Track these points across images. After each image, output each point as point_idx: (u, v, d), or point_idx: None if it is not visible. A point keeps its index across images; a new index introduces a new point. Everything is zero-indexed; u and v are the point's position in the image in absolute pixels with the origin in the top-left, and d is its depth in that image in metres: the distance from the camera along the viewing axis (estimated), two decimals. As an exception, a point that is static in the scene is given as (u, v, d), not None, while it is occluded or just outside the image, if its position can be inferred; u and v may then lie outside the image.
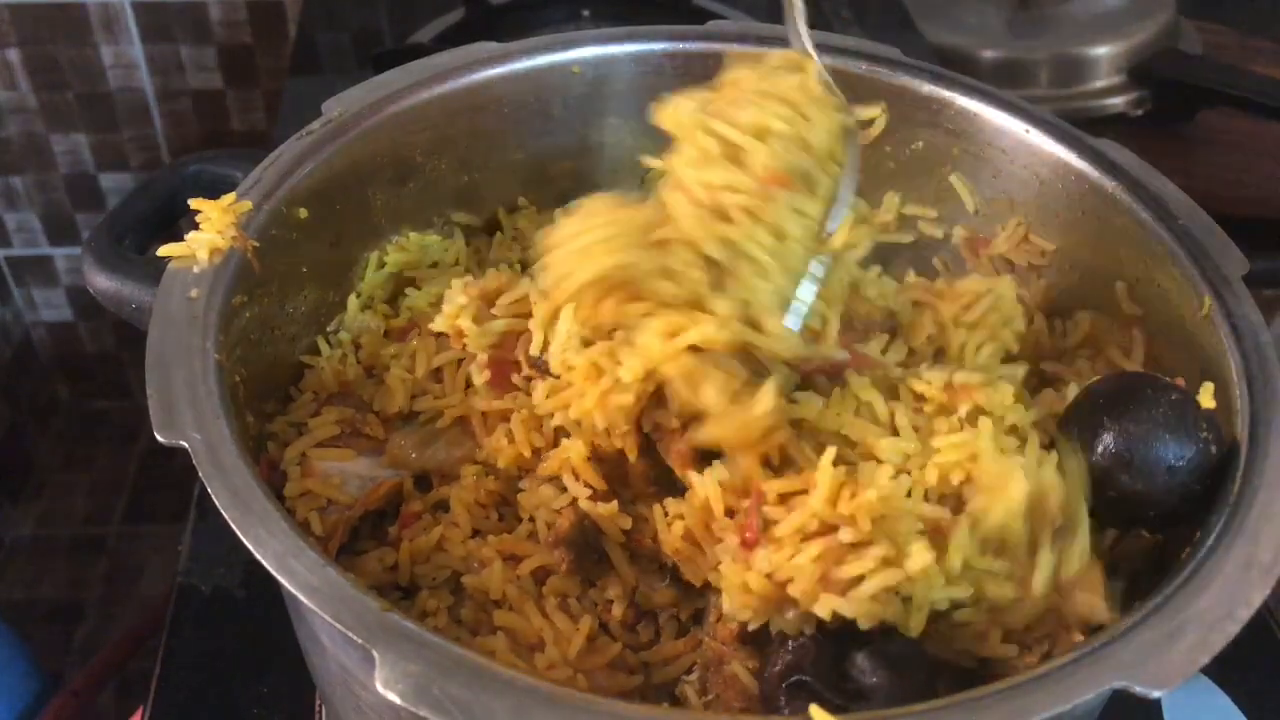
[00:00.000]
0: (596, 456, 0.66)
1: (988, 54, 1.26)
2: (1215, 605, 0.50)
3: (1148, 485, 0.59)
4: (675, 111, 0.65)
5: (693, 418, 0.62)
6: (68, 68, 1.93)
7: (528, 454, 0.68)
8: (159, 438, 0.56)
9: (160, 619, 0.86)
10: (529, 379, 0.70)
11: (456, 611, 0.64)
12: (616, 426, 0.65)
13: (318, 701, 0.79)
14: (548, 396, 0.67)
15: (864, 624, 0.53)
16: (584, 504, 0.64)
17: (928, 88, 0.82)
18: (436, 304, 0.75)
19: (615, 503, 0.64)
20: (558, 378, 0.68)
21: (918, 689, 0.52)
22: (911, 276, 0.85)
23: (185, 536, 0.91)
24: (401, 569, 0.65)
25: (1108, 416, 0.60)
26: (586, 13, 1.46)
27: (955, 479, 0.60)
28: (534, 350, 0.69)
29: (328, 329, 0.79)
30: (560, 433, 0.68)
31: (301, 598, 0.49)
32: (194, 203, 0.69)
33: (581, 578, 0.64)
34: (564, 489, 0.66)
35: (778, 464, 0.63)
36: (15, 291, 2.24)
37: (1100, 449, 0.60)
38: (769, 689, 0.54)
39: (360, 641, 0.48)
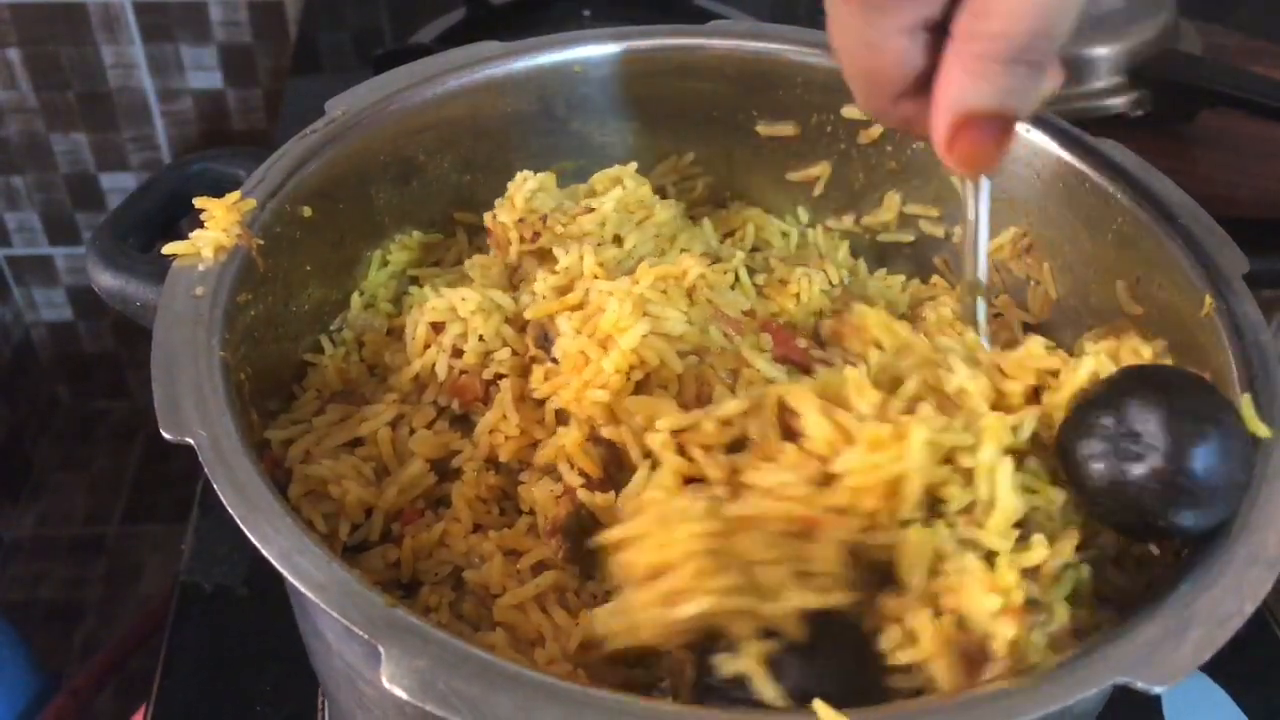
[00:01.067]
0: (594, 439, 0.66)
1: (988, 54, 1.25)
2: (1221, 601, 0.50)
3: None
4: None
5: None
6: (68, 68, 1.94)
7: (528, 443, 0.68)
8: (165, 434, 0.56)
9: (161, 618, 0.86)
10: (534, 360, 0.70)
11: (458, 607, 0.64)
12: (596, 418, 0.65)
13: (321, 698, 0.79)
14: (545, 380, 0.68)
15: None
16: (581, 493, 0.64)
17: (929, 88, 0.82)
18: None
19: (612, 493, 0.64)
20: (556, 362, 0.68)
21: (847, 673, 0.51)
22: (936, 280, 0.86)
23: (188, 534, 0.91)
24: (404, 565, 0.65)
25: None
26: (587, 13, 1.46)
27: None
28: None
29: (331, 327, 0.79)
30: (560, 419, 0.68)
31: (309, 594, 0.50)
32: (199, 201, 0.69)
33: (579, 568, 0.64)
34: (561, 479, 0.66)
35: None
36: (15, 291, 2.24)
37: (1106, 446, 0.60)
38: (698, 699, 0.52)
39: (366, 638, 0.48)
